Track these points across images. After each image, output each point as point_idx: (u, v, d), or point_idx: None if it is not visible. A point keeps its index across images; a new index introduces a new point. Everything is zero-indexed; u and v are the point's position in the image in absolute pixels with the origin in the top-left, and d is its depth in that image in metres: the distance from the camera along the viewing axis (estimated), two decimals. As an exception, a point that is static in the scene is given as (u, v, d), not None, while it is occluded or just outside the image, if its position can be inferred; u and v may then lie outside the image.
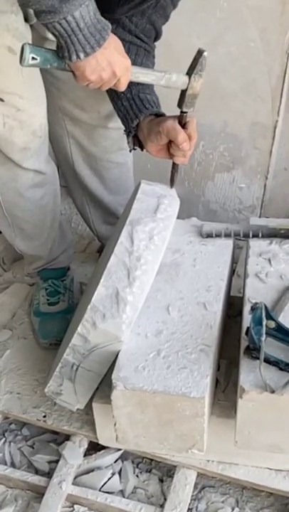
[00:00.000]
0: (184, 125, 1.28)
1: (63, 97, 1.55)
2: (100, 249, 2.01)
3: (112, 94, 1.39)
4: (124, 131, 1.39)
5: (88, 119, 1.59)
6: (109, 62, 1.14)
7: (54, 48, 1.14)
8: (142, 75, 1.23)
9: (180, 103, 1.27)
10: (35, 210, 1.56)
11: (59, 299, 1.71)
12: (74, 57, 1.10)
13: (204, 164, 2.05)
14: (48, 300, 1.71)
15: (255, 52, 1.78)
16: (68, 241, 1.78)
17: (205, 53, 1.21)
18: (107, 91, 1.41)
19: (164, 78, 1.23)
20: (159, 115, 1.36)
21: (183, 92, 1.26)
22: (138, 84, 1.34)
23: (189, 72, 1.23)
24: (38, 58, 1.13)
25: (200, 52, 1.21)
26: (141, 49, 1.38)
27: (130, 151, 1.45)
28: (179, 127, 1.27)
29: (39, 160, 1.48)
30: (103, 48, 1.11)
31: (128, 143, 1.41)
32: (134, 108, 1.34)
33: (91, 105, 1.55)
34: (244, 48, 1.78)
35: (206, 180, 2.09)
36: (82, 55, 1.10)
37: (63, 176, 1.77)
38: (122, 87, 1.20)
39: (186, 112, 1.27)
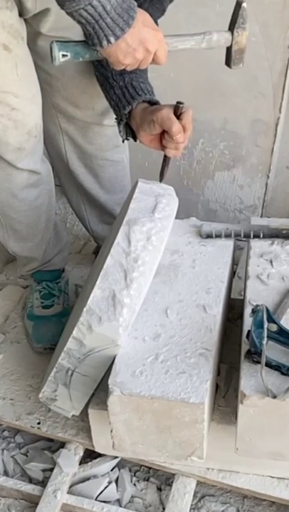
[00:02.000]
0: (178, 116, 1.27)
1: (56, 94, 1.55)
2: (96, 251, 2.01)
3: (105, 83, 1.39)
4: (116, 119, 1.39)
5: (82, 116, 1.59)
6: (140, 40, 1.13)
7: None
8: (180, 43, 1.21)
9: (228, 61, 1.26)
10: (30, 211, 1.56)
11: (53, 301, 1.71)
12: (104, 42, 1.10)
13: (204, 162, 2.05)
14: (42, 303, 1.71)
15: (256, 47, 1.78)
16: (63, 242, 1.78)
17: (244, 4, 1.19)
18: (98, 80, 1.42)
19: (205, 40, 1.21)
20: (153, 103, 1.36)
21: (228, 50, 1.24)
22: (131, 72, 1.34)
23: (231, 27, 1.22)
24: (69, 54, 1.14)
25: (239, 4, 1.20)
26: None
27: (123, 141, 1.45)
28: (173, 117, 1.27)
29: (34, 160, 1.48)
30: (132, 28, 1.11)
31: (120, 132, 1.41)
32: (126, 95, 1.34)
33: (85, 102, 1.56)
34: (244, 43, 1.78)
35: (206, 179, 2.09)
36: (112, 39, 1.10)
37: (57, 175, 1.77)
38: (162, 60, 1.19)
39: (182, 103, 1.27)
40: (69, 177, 1.75)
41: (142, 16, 1.14)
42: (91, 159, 1.69)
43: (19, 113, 1.36)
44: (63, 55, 1.14)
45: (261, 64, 1.81)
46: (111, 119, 1.56)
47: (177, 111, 1.27)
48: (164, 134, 1.30)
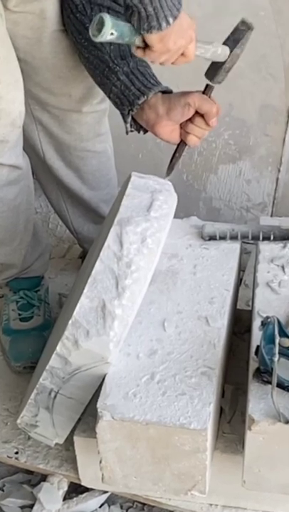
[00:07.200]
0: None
1: (27, 79, 1.54)
2: (83, 255, 2.01)
3: (101, 66, 1.40)
4: (123, 110, 1.41)
5: (58, 103, 1.59)
6: (188, 23, 1.18)
7: None
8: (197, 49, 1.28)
9: (212, 75, 1.35)
10: (8, 211, 1.56)
11: (33, 313, 1.71)
12: (164, 24, 1.13)
13: (206, 154, 2.06)
14: (19, 315, 1.71)
15: (265, 23, 1.79)
16: (43, 245, 1.78)
17: (252, 29, 1.30)
18: (90, 62, 1.43)
19: (211, 52, 1.29)
20: (167, 92, 1.40)
21: (217, 65, 1.33)
22: (132, 55, 1.36)
23: (231, 45, 1.31)
24: (116, 33, 1.16)
25: (249, 28, 1.30)
26: (122, 16, 1.40)
27: (127, 133, 1.46)
28: (210, 99, 1.35)
29: (16, 153, 1.49)
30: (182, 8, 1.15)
31: (126, 123, 1.42)
32: (136, 83, 1.37)
33: (60, 87, 1.56)
34: (252, 17, 1.77)
35: (208, 173, 2.10)
36: (171, 20, 1.13)
37: (33, 170, 1.77)
38: (192, 54, 1.25)
39: (213, 86, 1.35)
40: (46, 172, 1.76)
41: None
42: (70, 151, 1.69)
43: (2, 101, 1.37)
44: (111, 33, 1.16)
45: (271, 42, 1.82)
46: (91, 105, 1.57)
47: (208, 93, 1.36)
48: (189, 120, 1.37)
